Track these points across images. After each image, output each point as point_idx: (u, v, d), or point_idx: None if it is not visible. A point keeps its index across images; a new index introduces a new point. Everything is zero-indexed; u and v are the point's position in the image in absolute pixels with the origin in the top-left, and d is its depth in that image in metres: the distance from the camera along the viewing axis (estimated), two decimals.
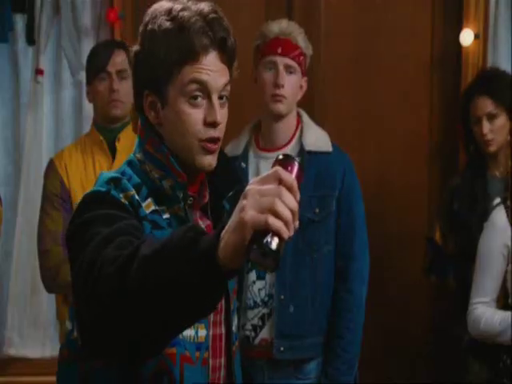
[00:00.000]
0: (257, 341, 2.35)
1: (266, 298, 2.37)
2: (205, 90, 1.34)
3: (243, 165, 2.42)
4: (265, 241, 0.98)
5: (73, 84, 3.17)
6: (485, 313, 2.38)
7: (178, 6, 1.35)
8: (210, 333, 1.39)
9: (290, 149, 2.41)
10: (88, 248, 1.18)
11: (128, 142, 2.63)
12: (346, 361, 2.35)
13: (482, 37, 3.07)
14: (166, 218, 1.36)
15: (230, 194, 1.47)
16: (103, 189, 1.33)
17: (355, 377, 2.40)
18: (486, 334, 2.39)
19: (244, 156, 2.43)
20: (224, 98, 1.38)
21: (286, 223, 0.99)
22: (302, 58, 2.38)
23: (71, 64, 3.11)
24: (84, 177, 2.58)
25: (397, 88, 3.18)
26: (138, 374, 1.31)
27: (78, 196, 2.53)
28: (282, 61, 2.35)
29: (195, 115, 1.35)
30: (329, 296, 2.38)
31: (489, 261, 2.40)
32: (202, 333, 1.36)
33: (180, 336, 1.29)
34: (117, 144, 2.61)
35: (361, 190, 2.43)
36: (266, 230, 0.98)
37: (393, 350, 3.18)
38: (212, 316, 1.38)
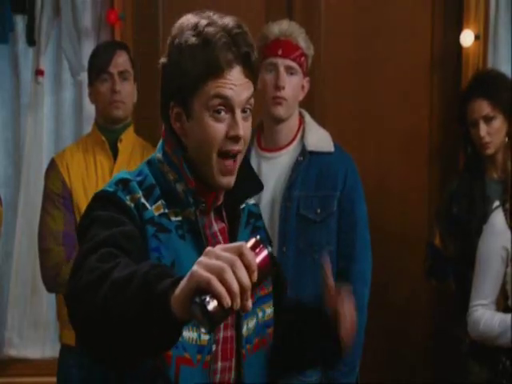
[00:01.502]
0: None
1: None
2: (228, 104, 1.37)
3: None
4: (203, 297, 1.00)
5: (73, 85, 3.17)
6: (484, 315, 2.39)
7: (203, 21, 1.38)
8: (217, 336, 1.40)
9: (292, 149, 2.42)
10: (81, 250, 1.25)
11: (130, 143, 2.64)
12: (348, 362, 2.35)
13: (482, 38, 3.08)
14: (178, 221, 1.39)
15: (250, 199, 1.50)
16: (111, 189, 1.38)
17: (357, 378, 2.40)
18: (485, 335, 2.40)
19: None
20: (247, 111, 1.40)
21: (229, 293, 1.01)
22: (303, 58, 2.38)
23: (71, 65, 3.11)
24: (85, 177, 2.58)
25: (397, 88, 3.19)
26: (134, 373, 1.34)
27: (79, 196, 2.54)
28: (282, 62, 2.35)
29: (218, 128, 1.37)
30: None
31: (488, 263, 2.40)
32: (205, 336, 1.36)
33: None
34: (119, 145, 2.61)
35: (363, 191, 2.43)
36: (208, 290, 1.01)
37: (393, 352, 3.18)
38: None
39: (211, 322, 1.01)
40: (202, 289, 1.01)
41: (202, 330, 1.03)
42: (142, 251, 1.32)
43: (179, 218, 1.39)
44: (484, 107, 2.62)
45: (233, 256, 1.03)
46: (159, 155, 1.45)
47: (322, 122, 2.64)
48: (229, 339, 1.42)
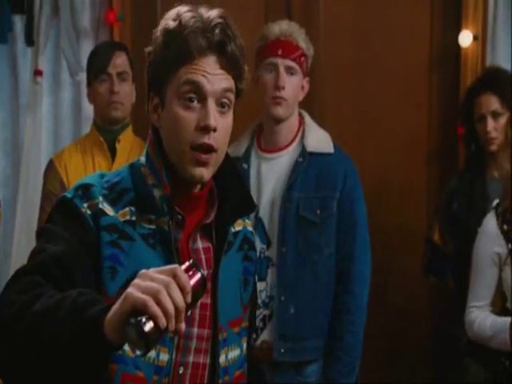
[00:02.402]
0: (258, 342, 2.35)
1: (267, 300, 2.37)
2: (199, 92, 1.30)
3: (245, 166, 2.42)
4: (139, 319, 1.01)
5: (72, 85, 3.16)
6: (478, 317, 2.40)
7: (185, 9, 1.34)
8: (186, 360, 1.33)
9: (292, 150, 2.42)
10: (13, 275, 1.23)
11: (128, 144, 2.64)
12: (347, 363, 2.35)
13: (480, 38, 3.08)
14: (150, 229, 1.32)
15: (239, 220, 1.43)
16: (69, 195, 1.32)
17: (356, 378, 2.40)
18: (479, 337, 2.41)
19: (246, 157, 2.43)
20: (225, 106, 1.32)
21: (165, 314, 1.01)
22: (303, 58, 2.38)
23: (70, 65, 3.11)
24: (83, 176, 2.56)
25: (396, 89, 3.19)
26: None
27: None
28: (282, 62, 2.34)
29: (188, 118, 1.30)
30: (329, 298, 2.37)
31: (481, 267, 2.41)
32: (164, 357, 1.30)
33: (129, 353, 1.23)
34: (117, 145, 2.61)
35: (363, 192, 2.43)
36: (144, 312, 1.01)
37: (393, 352, 3.19)
38: (184, 342, 1.32)
39: (147, 343, 1.01)
40: (137, 311, 1.01)
41: (137, 352, 1.02)
42: (92, 263, 1.27)
43: (152, 226, 1.32)
44: (493, 102, 2.61)
45: (167, 278, 1.03)
46: (142, 158, 1.38)
47: (321, 122, 2.64)
48: (201, 365, 1.35)
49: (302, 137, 2.42)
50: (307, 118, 2.47)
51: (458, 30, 3.10)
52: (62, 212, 1.31)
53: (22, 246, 3.10)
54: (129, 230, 1.31)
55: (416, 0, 3.19)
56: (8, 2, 3.02)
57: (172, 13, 1.35)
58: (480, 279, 2.41)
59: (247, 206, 1.43)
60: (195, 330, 1.34)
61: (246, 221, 1.49)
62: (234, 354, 1.39)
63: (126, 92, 2.60)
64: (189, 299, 1.05)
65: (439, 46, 3.19)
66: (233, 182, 1.41)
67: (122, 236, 1.30)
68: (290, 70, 2.35)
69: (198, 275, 1.09)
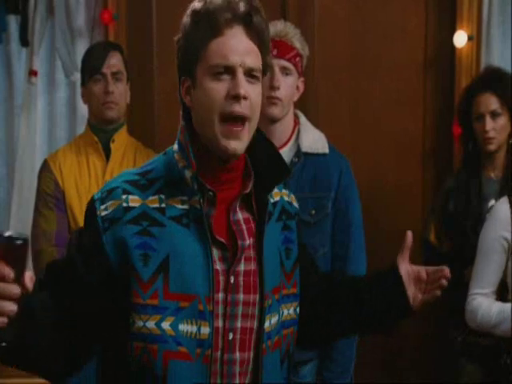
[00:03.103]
0: None
1: None
2: (229, 65, 1.34)
3: None
4: None
5: (67, 85, 3.16)
6: (482, 304, 2.35)
7: None
8: (234, 325, 1.37)
9: (287, 150, 2.41)
10: None
11: (122, 144, 2.64)
12: (341, 363, 2.35)
13: (475, 38, 3.09)
14: (184, 209, 1.37)
15: (277, 186, 1.46)
16: (95, 196, 1.41)
17: (351, 379, 2.40)
18: (482, 325, 2.36)
19: None
20: (254, 77, 1.36)
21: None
22: (298, 58, 2.38)
23: (65, 65, 3.11)
24: (78, 177, 2.58)
25: (391, 89, 3.19)
26: (122, 370, 1.37)
27: (71, 196, 2.54)
28: (277, 63, 2.34)
29: (218, 88, 1.34)
30: None
31: (488, 252, 2.36)
32: (205, 330, 1.34)
33: (170, 332, 1.33)
34: (111, 145, 2.61)
35: (358, 192, 2.43)
36: None
37: (387, 352, 3.19)
38: (231, 308, 1.37)
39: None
40: None
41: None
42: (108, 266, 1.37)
43: (186, 207, 1.38)
44: (492, 102, 2.61)
45: None
46: (175, 145, 1.43)
47: (316, 122, 2.64)
48: (248, 330, 1.39)
49: (297, 137, 2.42)
50: (302, 119, 2.47)
51: (453, 31, 3.11)
52: (85, 223, 1.42)
53: None
54: (158, 217, 1.36)
55: (411, 1, 3.20)
56: (2, 2, 3.01)
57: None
58: (486, 265, 2.37)
59: (282, 172, 1.44)
60: (241, 296, 1.39)
61: (283, 191, 1.52)
62: (275, 319, 1.43)
63: (121, 92, 2.60)
64: (10, 275, 1.15)
65: (434, 46, 3.19)
66: (266, 151, 1.43)
67: (151, 223, 1.36)
68: (285, 70, 2.35)
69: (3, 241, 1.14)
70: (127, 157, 2.62)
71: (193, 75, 1.37)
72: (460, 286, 2.63)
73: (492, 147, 2.63)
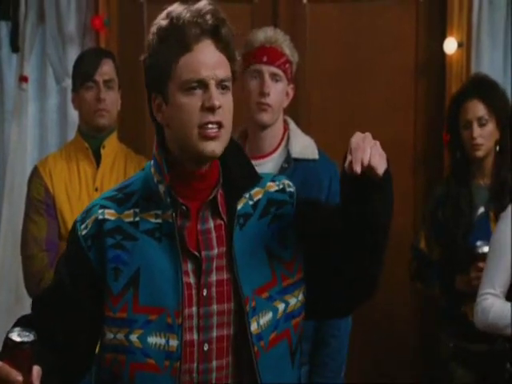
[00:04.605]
0: None
1: None
2: (201, 80, 1.36)
3: None
4: None
5: (58, 91, 3.16)
6: (494, 304, 2.31)
7: (174, 6, 1.40)
8: (204, 337, 1.39)
9: (277, 156, 2.42)
10: None
11: (113, 150, 2.63)
12: (333, 368, 2.35)
13: (465, 45, 3.10)
14: (157, 223, 1.40)
15: (246, 193, 1.46)
16: (77, 218, 1.46)
17: (342, 382, 2.40)
18: (494, 325, 2.32)
19: None
20: (225, 88, 1.39)
21: None
22: (287, 65, 2.39)
23: (56, 71, 3.11)
24: (68, 183, 2.58)
25: (381, 96, 3.20)
26: (99, 380, 1.43)
27: (61, 202, 2.54)
28: (267, 69, 2.35)
29: (192, 102, 1.36)
30: None
31: (501, 252, 2.34)
32: (173, 342, 1.36)
33: (137, 344, 1.36)
34: (102, 151, 2.61)
35: None
36: None
37: (379, 357, 3.19)
38: (204, 321, 1.39)
39: None
40: None
41: None
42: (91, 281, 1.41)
43: (159, 221, 1.41)
44: (479, 109, 2.62)
45: None
46: (152, 160, 1.46)
47: (307, 128, 2.64)
48: (225, 338, 1.40)
49: (287, 143, 2.42)
50: (292, 125, 2.47)
51: (443, 37, 3.12)
52: (68, 238, 1.47)
53: (7, 253, 3.08)
54: (132, 231, 1.40)
55: (401, 8, 3.22)
56: None
57: (161, 15, 1.41)
58: (498, 264, 2.34)
59: (252, 179, 1.48)
60: (215, 307, 1.40)
61: (268, 184, 1.50)
62: (266, 318, 1.42)
63: (113, 100, 2.60)
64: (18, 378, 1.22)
65: (424, 53, 3.21)
66: (236, 159, 1.46)
67: (125, 237, 1.40)
68: (274, 77, 2.36)
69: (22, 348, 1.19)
70: (117, 163, 2.62)
71: (164, 92, 1.39)
72: (450, 293, 2.64)
73: (480, 154, 2.64)
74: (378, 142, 1.43)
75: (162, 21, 1.39)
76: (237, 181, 1.45)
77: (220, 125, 1.37)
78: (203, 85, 1.37)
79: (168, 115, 1.40)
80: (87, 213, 1.45)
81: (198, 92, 1.37)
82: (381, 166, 1.40)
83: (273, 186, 1.51)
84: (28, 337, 1.21)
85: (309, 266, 1.47)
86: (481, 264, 2.48)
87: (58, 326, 1.40)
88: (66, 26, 3.10)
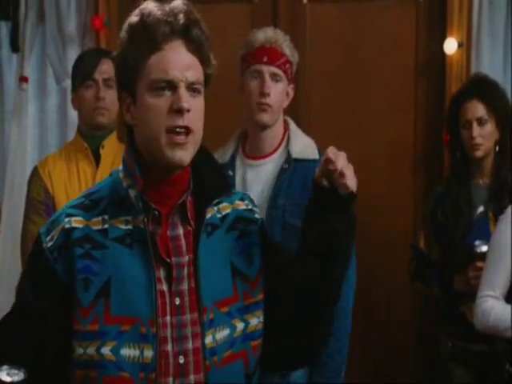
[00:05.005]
0: None
1: None
2: (170, 80, 1.31)
3: (230, 173, 2.41)
4: None
5: (58, 91, 3.16)
6: (494, 306, 2.30)
7: (148, 3, 1.35)
8: (184, 347, 1.33)
9: (277, 156, 2.42)
10: None
11: (112, 150, 2.63)
12: (333, 368, 2.35)
13: (465, 45, 3.10)
14: (127, 229, 1.35)
15: (215, 201, 1.43)
16: (41, 230, 1.39)
17: (342, 382, 2.40)
18: (494, 328, 2.31)
19: (231, 164, 2.43)
20: (196, 91, 1.34)
21: None
22: (287, 65, 2.39)
23: (56, 71, 3.11)
24: (68, 183, 2.58)
25: (382, 96, 3.21)
26: None
27: (61, 202, 2.53)
28: (267, 69, 2.35)
29: (160, 104, 1.31)
30: None
31: (501, 253, 2.33)
32: (148, 353, 1.31)
33: (110, 357, 1.29)
34: (101, 151, 2.61)
35: None
36: None
37: (377, 357, 3.19)
38: (178, 331, 1.33)
39: None
40: None
41: None
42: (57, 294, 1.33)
43: (129, 227, 1.35)
44: (479, 109, 2.63)
45: None
46: (122, 164, 1.41)
47: (307, 129, 2.64)
48: (197, 350, 1.34)
49: (287, 143, 2.42)
50: (292, 125, 2.48)
51: (443, 38, 3.12)
52: (32, 257, 1.40)
53: (7, 253, 3.09)
54: (100, 239, 1.34)
55: (401, 8, 3.22)
56: None
57: (134, 11, 1.36)
58: (498, 266, 2.33)
59: (222, 187, 1.44)
60: (188, 316, 1.35)
61: (237, 202, 1.48)
62: (223, 334, 1.37)
63: (112, 98, 2.59)
64: None
65: (425, 54, 3.21)
66: (207, 167, 1.42)
67: (94, 246, 1.34)
68: (275, 77, 2.36)
69: None
70: (117, 163, 2.60)
71: (133, 92, 1.34)
72: (449, 293, 2.64)
73: (479, 153, 2.64)
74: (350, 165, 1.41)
75: (133, 17, 1.34)
76: (207, 188, 1.40)
77: (188, 130, 1.32)
78: (172, 86, 1.31)
79: (136, 116, 1.35)
80: (52, 223, 1.38)
81: (167, 93, 1.31)
82: (353, 180, 1.39)
83: (241, 205, 1.49)
84: (18, 375, 1.17)
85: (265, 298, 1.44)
86: (479, 263, 2.48)
87: (26, 348, 1.32)
88: (66, 26, 3.11)
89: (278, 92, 2.36)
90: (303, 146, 2.43)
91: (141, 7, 1.35)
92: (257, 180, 2.41)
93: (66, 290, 1.33)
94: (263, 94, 2.33)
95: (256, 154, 2.44)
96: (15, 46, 3.09)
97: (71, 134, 2.96)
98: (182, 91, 1.31)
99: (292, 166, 2.38)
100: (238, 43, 2.45)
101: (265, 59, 2.35)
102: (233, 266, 1.41)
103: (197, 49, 1.34)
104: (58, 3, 3.10)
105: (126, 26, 1.36)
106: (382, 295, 3.18)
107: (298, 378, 2.38)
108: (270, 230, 2.34)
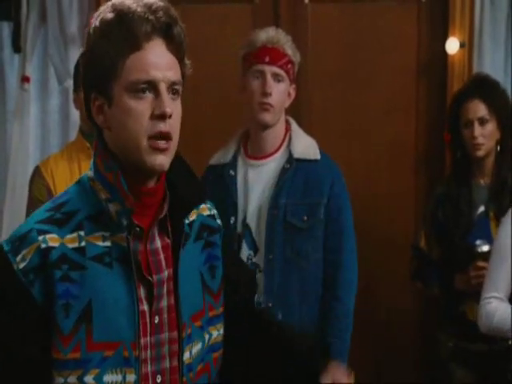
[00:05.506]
0: None
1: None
2: (151, 81, 1.24)
3: (232, 173, 2.42)
4: None
5: (60, 91, 3.16)
6: (498, 308, 2.29)
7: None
8: (161, 366, 1.29)
9: (279, 156, 2.42)
10: None
11: None
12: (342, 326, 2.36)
13: (467, 45, 3.10)
14: (105, 247, 1.26)
15: (193, 211, 1.37)
16: (5, 248, 1.25)
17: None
18: (498, 329, 2.31)
19: (232, 164, 2.43)
20: (176, 93, 1.27)
21: None
22: (289, 65, 2.39)
23: (58, 71, 3.11)
24: (70, 183, 2.53)
25: (383, 96, 3.21)
26: None
27: None
28: (269, 69, 2.35)
29: (142, 108, 1.24)
30: (317, 304, 2.38)
31: (504, 256, 2.32)
32: (131, 378, 1.25)
33: (93, 381, 1.23)
34: None
35: (349, 200, 2.44)
36: None
37: (379, 357, 3.19)
38: (156, 351, 1.29)
39: None
40: None
41: None
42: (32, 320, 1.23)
43: (107, 244, 1.25)
44: (481, 108, 2.63)
45: None
46: (90, 173, 1.31)
47: (308, 129, 2.65)
48: (177, 369, 1.30)
49: (289, 143, 2.43)
50: (294, 125, 2.48)
51: (445, 38, 3.12)
52: None
53: None
54: (78, 259, 1.24)
55: (403, 8, 3.21)
56: None
57: (105, 7, 1.28)
58: (501, 268, 2.32)
59: (198, 197, 1.38)
60: (166, 334, 1.30)
61: (202, 206, 1.42)
62: (197, 348, 1.34)
63: None
64: None
65: (426, 54, 3.21)
66: (183, 175, 1.35)
67: (71, 267, 1.23)
68: (276, 77, 2.36)
69: None
70: None
71: (106, 93, 1.25)
72: (450, 293, 2.64)
73: (480, 153, 2.64)
74: None
75: (107, 14, 1.24)
76: (183, 197, 1.33)
77: (169, 137, 1.25)
78: (153, 87, 1.24)
79: (111, 118, 1.26)
80: (21, 240, 1.24)
81: (148, 96, 1.24)
82: None
83: (205, 210, 1.43)
84: None
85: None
86: (480, 263, 2.48)
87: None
88: (67, 27, 3.11)
89: (280, 92, 2.36)
90: (305, 146, 2.43)
91: (113, 2, 1.26)
92: (258, 180, 2.42)
93: (43, 317, 1.22)
94: (265, 94, 2.34)
95: (258, 153, 2.44)
96: (17, 47, 3.09)
97: (73, 134, 2.97)
98: (164, 94, 1.25)
99: (293, 166, 2.39)
100: (238, 43, 2.45)
101: (267, 59, 2.35)
102: (202, 276, 1.37)
103: (177, 48, 1.28)
104: (59, 3, 3.10)
105: (96, 22, 1.25)
106: (383, 295, 3.18)
107: None
108: (271, 229, 2.37)
